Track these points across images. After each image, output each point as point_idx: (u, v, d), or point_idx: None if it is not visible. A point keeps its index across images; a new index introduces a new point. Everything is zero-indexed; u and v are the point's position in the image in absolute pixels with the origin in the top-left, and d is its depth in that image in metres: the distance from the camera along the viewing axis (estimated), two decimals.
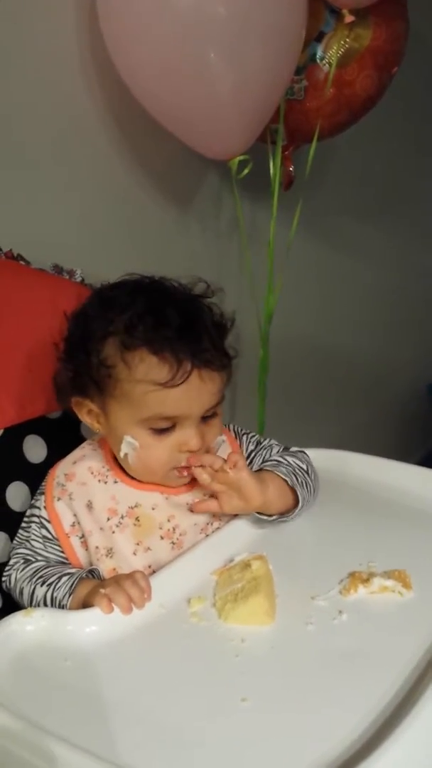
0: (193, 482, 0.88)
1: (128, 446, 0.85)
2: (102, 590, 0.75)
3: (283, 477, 0.89)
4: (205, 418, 0.86)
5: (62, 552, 0.88)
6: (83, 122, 1.34)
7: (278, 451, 0.97)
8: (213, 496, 0.87)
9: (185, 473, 0.86)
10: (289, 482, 0.89)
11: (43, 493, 0.91)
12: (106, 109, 1.36)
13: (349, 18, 1.34)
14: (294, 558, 0.85)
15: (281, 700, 0.64)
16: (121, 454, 0.86)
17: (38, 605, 0.81)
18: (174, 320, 0.82)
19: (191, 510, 0.88)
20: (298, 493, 0.89)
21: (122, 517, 0.87)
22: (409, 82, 1.63)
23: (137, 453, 0.85)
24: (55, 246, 1.21)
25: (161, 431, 0.84)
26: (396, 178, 2.17)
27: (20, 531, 0.90)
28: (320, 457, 1.01)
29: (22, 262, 1.14)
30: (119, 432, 0.85)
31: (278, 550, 0.85)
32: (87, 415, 0.89)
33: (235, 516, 0.91)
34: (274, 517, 0.89)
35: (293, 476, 0.90)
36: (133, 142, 1.42)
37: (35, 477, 0.97)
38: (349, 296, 2.13)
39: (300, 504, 0.90)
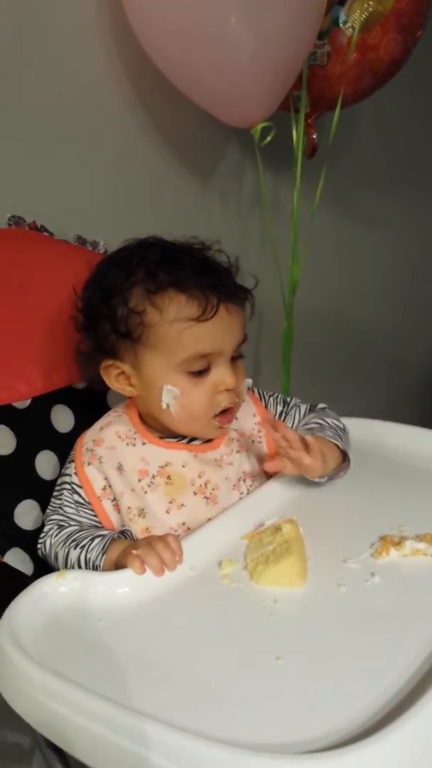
0: (219, 439, 0.91)
1: (169, 395, 0.85)
2: (134, 552, 0.75)
3: (335, 442, 0.91)
4: (233, 360, 0.87)
5: (95, 516, 0.89)
6: (104, 92, 1.33)
7: (305, 409, 1.00)
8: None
9: (225, 422, 0.88)
10: (340, 446, 0.92)
11: (72, 461, 0.92)
12: (126, 78, 1.35)
13: None
14: (324, 523, 0.85)
15: (315, 659, 0.64)
16: (163, 405, 0.86)
17: (72, 568, 0.81)
18: (190, 263, 0.85)
19: (264, 470, 0.90)
20: (349, 455, 0.92)
21: (153, 477, 0.87)
22: None
23: (179, 401, 0.85)
24: (77, 217, 1.21)
25: (198, 374, 0.85)
26: (421, 148, 2.14)
27: (53, 499, 0.91)
28: (348, 426, 1.01)
29: (45, 234, 1.14)
30: (157, 383, 0.85)
31: (308, 515, 0.85)
32: (116, 379, 0.89)
33: (268, 478, 0.92)
34: (325, 479, 0.90)
35: (340, 439, 0.93)
36: (155, 111, 1.41)
37: (63, 446, 0.97)
38: (372, 268, 2.10)
39: (350, 465, 0.92)
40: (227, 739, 0.54)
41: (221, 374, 0.85)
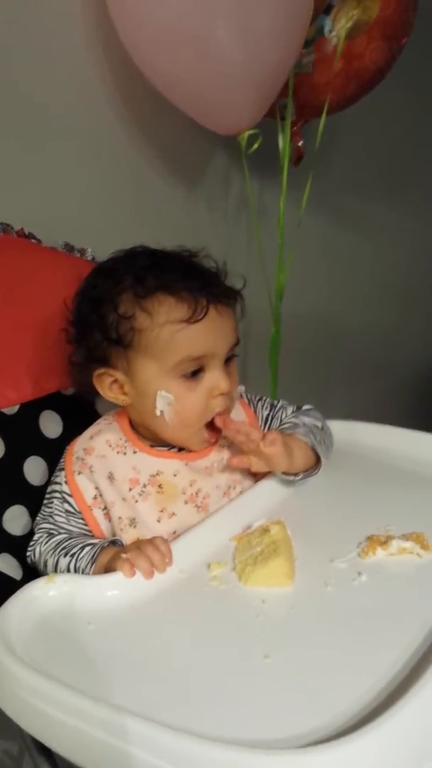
0: (210, 447, 0.91)
1: (163, 401, 0.85)
2: (124, 555, 0.75)
3: (304, 439, 0.91)
4: (226, 362, 0.88)
5: (85, 525, 0.89)
6: (91, 99, 1.34)
7: (292, 411, 1.00)
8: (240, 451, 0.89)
9: (213, 439, 0.88)
10: (309, 443, 0.91)
11: (62, 469, 0.92)
12: (113, 85, 1.36)
13: None
14: (311, 524, 0.85)
15: (304, 658, 0.64)
16: (157, 412, 0.85)
17: None
18: (177, 267, 0.86)
19: (230, 464, 0.90)
20: (318, 451, 0.92)
21: (144, 486, 0.88)
22: (418, 53, 1.62)
23: (173, 407, 0.85)
24: (65, 225, 1.22)
25: (191, 377, 0.85)
26: (406, 153, 2.16)
27: (43, 507, 0.91)
28: (333, 428, 1.02)
29: (33, 241, 1.14)
30: (151, 389, 0.85)
31: (296, 516, 0.85)
32: (110, 388, 0.89)
33: (256, 482, 0.93)
34: (299, 477, 0.91)
35: (311, 435, 0.92)
36: (141, 118, 1.42)
37: (52, 452, 0.97)
38: (360, 272, 2.12)
39: (322, 463, 0.92)
40: (219, 737, 0.55)
41: (215, 378, 0.85)
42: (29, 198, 1.25)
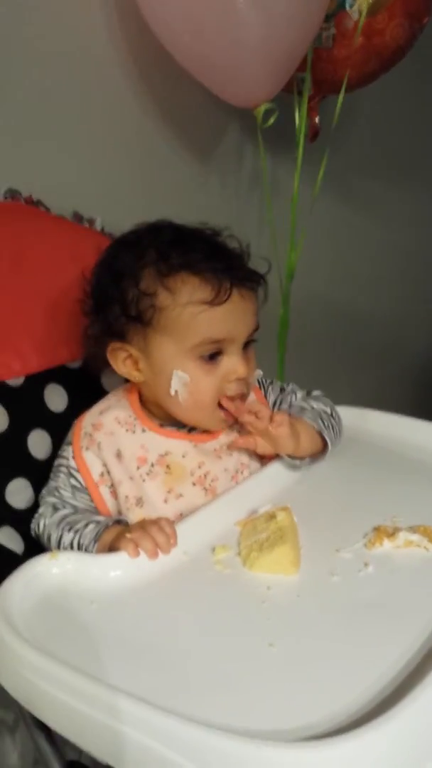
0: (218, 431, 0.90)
1: (178, 381, 0.84)
2: (128, 535, 0.75)
3: (311, 423, 0.91)
4: (245, 347, 0.86)
5: (91, 501, 0.88)
6: (105, 68, 1.31)
7: (302, 395, 0.99)
8: (246, 431, 0.89)
9: (230, 418, 0.86)
10: (316, 427, 0.91)
11: (70, 444, 0.91)
12: (129, 54, 1.33)
13: None
14: (318, 512, 0.84)
15: (308, 648, 0.64)
16: (171, 391, 0.84)
17: (64, 550, 0.80)
18: (202, 246, 0.84)
19: (235, 444, 0.89)
20: (326, 437, 0.91)
21: (152, 465, 0.87)
22: None
23: (188, 387, 0.84)
24: (74, 194, 1.19)
25: (209, 359, 0.83)
26: (424, 135, 2.12)
27: (49, 480, 0.90)
28: (342, 414, 1.00)
29: (41, 208, 1.12)
30: (167, 368, 0.84)
31: (301, 503, 0.84)
32: (123, 363, 0.87)
33: (262, 466, 0.92)
34: (306, 461, 0.90)
35: (320, 421, 0.92)
36: (156, 89, 1.39)
37: (56, 426, 0.96)
38: (370, 255, 2.09)
39: (329, 448, 0.92)
40: (220, 725, 0.54)
41: (233, 363, 0.84)
42: (39, 165, 1.22)
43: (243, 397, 0.87)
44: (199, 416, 0.87)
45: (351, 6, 1.37)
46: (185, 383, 0.84)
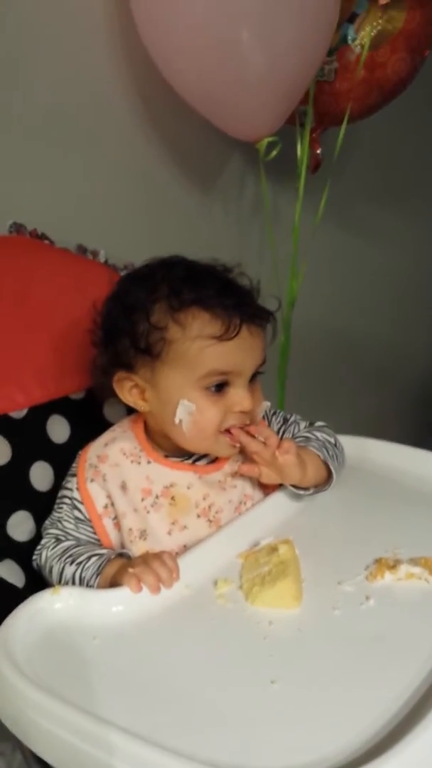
0: (223, 461, 0.90)
1: (184, 410, 0.84)
2: (131, 569, 0.75)
3: (317, 452, 0.91)
4: (251, 380, 0.87)
5: (94, 533, 0.88)
6: (109, 100, 1.33)
7: (305, 426, 0.99)
8: (250, 460, 0.89)
9: (236, 440, 0.86)
10: (321, 457, 0.91)
11: (74, 475, 0.91)
12: (132, 86, 1.35)
13: (383, 0, 1.32)
14: (319, 543, 0.85)
15: (310, 684, 0.64)
16: (176, 420, 0.85)
17: (66, 584, 0.81)
18: (213, 282, 0.85)
19: (239, 471, 0.89)
20: (331, 467, 0.91)
21: (157, 497, 0.87)
22: None
23: (193, 417, 0.84)
24: (78, 226, 1.21)
25: (216, 391, 0.84)
26: (425, 165, 2.15)
27: (53, 512, 0.91)
28: (343, 443, 1.00)
29: (46, 242, 1.13)
30: (174, 398, 0.85)
31: (304, 534, 0.84)
32: (129, 392, 0.88)
33: (266, 497, 0.92)
34: (309, 491, 0.90)
35: (325, 450, 0.92)
36: (159, 121, 1.41)
37: (59, 457, 0.97)
38: (371, 282, 2.11)
39: (333, 478, 0.92)
40: (222, 763, 0.54)
41: (239, 396, 0.85)
42: (43, 198, 1.24)
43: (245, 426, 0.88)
44: (204, 444, 0.87)
45: (353, 40, 1.40)
46: (190, 412, 0.84)
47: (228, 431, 0.86)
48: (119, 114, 1.36)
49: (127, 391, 0.88)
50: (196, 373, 0.83)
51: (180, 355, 0.83)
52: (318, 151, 1.49)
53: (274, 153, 1.32)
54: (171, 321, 0.83)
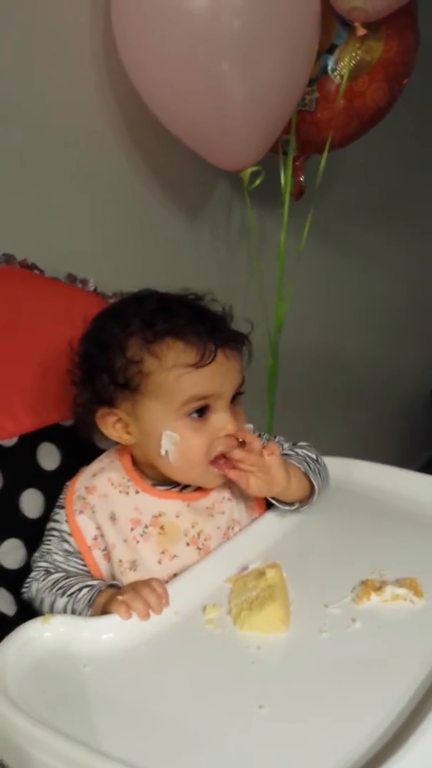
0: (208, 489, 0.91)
1: (168, 441, 0.85)
2: (120, 597, 0.76)
3: (297, 465, 0.92)
4: (232, 401, 0.88)
5: (84, 565, 0.89)
6: (96, 132, 1.35)
7: (289, 446, 1.00)
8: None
9: (224, 469, 0.87)
10: (302, 469, 0.92)
11: (63, 507, 0.91)
12: (119, 119, 1.38)
13: (361, 31, 1.35)
14: (306, 566, 0.86)
15: (298, 708, 0.65)
16: (162, 452, 0.86)
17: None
18: (185, 312, 0.87)
19: (228, 476, 0.88)
20: (312, 479, 0.92)
21: (146, 527, 0.88)
22: (418, 93, 1.65)
23: (178, 447, 0.85)
24: (68, 255, 1.22)
25: (198, 417, 0.85)
26: (405, 188, 2.19)
27: (42, 545, 0.91)
28: (329, 465, 1.01)
29: (36, 271, 1.15)
30: (157, 429, 0.85)
31: (291, 558, 0.86)
32: (113, 427, 0.89)
33: (251, 521, 0.93)
34: (295, 506, 0.91)
35: (305, 464, 0.93)
36: (146, 151, 1.43)
37: (49, 484, 0.97)
38: (357, 304, 2.14)
39: (316, 491, 0.93)
40: None
41: (222, 421, 0.86)
42: (33, 229, 1.25)
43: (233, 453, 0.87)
44: (193, 474, 0.88)
45: (333, 71, 1.43)
46: (175, 443, 0.85)
47: (215, 461, 0.87)
48: (107, 145, 1.38)
49: (111, 426, 0.89)
50: (175, 401, 0.84)
51: (158, 386, 0.84)
52: (301, 179, 1.52)
53: (257, 182, 1.35)
54: (146, 353, 0.84)
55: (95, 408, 0.89)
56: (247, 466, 0.86)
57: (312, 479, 0.92)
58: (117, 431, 0.89)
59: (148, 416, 0.86)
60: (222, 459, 0.87)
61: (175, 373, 0.84)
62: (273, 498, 0.91)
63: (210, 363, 0.84)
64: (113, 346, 0.86)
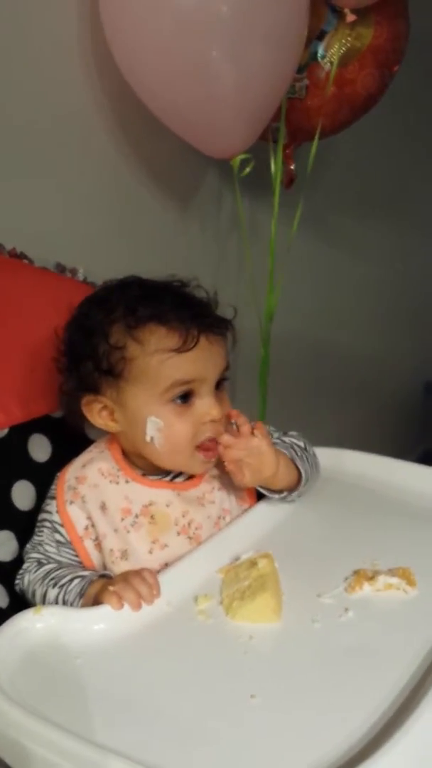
0: (200, 477, 0.90)
1: (153, 427, 0.85)
2: (111, 587, 0.75)
3: (284, 451, 0.91)
4: (217, 389, 0.88)
5: (76, 556, 0.88)
6: (84, 120, 1.34)
7: (278, 435, 0.99)
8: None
9: (211, 456, 0.87)
10: (288, 455, 0.91)
11: (54, 498, 0.91)
12: (107, 106, 1.37)
13: (350, 17, 1.35)
14: (298, 556, 0.86)
15: (290, 697, 0.65)
16: (147, 438, 0.85)
17: None
18: (169, 298, 0.87)
19: (227, 468, 0.87)
20: (299, 465, 0.92)
21: (137, 516, 0.88)
22: (409, 80, 1.64)
23: (163, 432, 0.85)
24: (57, 244, 1.22)
25: (182, 402, 0.85)
26: (396, 176, 2.19)
27: (33, 536, 0.91)
28: (321, 455, 1.00)
29: (25, 261, 1.14)
30: (141, 415, 0.85)
31: (283, 548, 0.85)
32: (99, 415, 0.89)
33: (243, 512, 0.93)
34: (283, 494, 0.91)
35: (292, 451, 0.93)
36: (135, 140, 1.42)
37: (40, 476, 0.97)
38: (349, 294, 2.14)
39: (303, 478, 0.92)
40: None
41: (206, 405, 0.86)
42: (22, 218, 1.24)
43: (219, 439, 0.87)
44: (179, 461, 0.88)
45: (323, 57, 1.43)
46: (159, 428, 0.85)
47: (202, 447, 0.86)
48: (96, 133, 1.37)
49: (97, 413, 0.89)
50: (159, 386, 0.84)
51: (141, 372, 0.84)
52: (291, 167, 1.51)
53: (247, 170, 1.34)
54: (129, 339, 0.84)
55: (80, 395, 0.89)
56: (237, 451, 0.85)
57: (299, 465, 0.92)
58: (103, 419, 0.89)
59: (133, 402, 0.86)
60: (212, 447, 0.86)
61: (158, 358, 0.84)
62: (262, 486, 0.90)
63: (193, 348, 0.84)
64: (97, 333, 0.86)
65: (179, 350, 0.83)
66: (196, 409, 0.86)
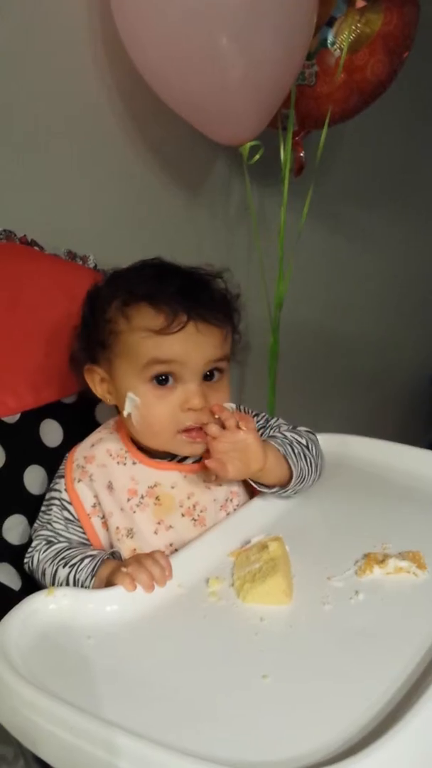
0: (207, 454, 0.88)
1: (131, 403, 0.86)
2: (124, 569, 0.76)
3: (278, 447, 0.89)
4: (209, 379, 0.87)
5: (84, 533, 0.89)
6: (94, 108, 1.34)
7: (287, 429, 0.97)
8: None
9: (196, 438, 0.86)
10: (281, 451, 0.89)
11: (62, 476, 0.92)
12: (117, 94, 1.37)
13: (360, 3, 1.34)
14: (308, 540, 0.86)
15: (301, 678, 0.65)
16: (125, 413, 0.87)
17: (60, 586, 0.82)
18: (176, 282, 0.88)
19: (205, 464, 0.86)
20: (289, 462, 0.89)
21: (142, 497, 0.88)
22: (420, 66, 1.63)
23: (140, 411, 0.86)
24: (67, 232, 1.22)
25: (161, 385, 0.85)
26: (406, 164, 2.17)
27: (41, 514, 0.92)
28: (323, 442, 1.00)
29: (36, 248, 1.14)
30: (124, 389, 0.87)
31: (292, 532, 0.86)
32: (99, 384, 0.92)
33: (252, 497, 0.93)
34: (274, 489, 0.90)
35: (288, 447, 0.91)
36: (144, 127, 1.42)
37: (52, 461, 0.98)
38: (358, 282, 2.13)
39: (295, 475, 0.90)
40: (215, 758, 0.55)
41: (188, 393, 0.85)
42: (33, 205, 1.25)
43: (203, 427, 0.85)
44: (159, 441, 0.88)
45: (332, 44, 1.42)
46: (137, 406, 0.86)
47: (185, 431, 0.86)
48: (106, 122, 1.37)
49: (98, 383, 0.92)
50: (138, 362, 0.85)
51: (125, 346, 0.86)
52: (301, 154, 1.50)
53: (256, 157, 1.34)
54: (120, 315, 0.87)
55: (84, 362, 0.92)
56: (223, 443, 0.84)
57: (289, 461, 0.89)
58: (102, 389, 0.92)
59: (119, 376, 0.88)
60: (196, 431, 0.86)
61: (140, 335, 0.85)
62: (252, 480, 0.89)
63: (177, 332, 0.84)
64: (99, 306, 0.89)
65: (161, 332, 0.84)
66: (176, 395, 0.86)
